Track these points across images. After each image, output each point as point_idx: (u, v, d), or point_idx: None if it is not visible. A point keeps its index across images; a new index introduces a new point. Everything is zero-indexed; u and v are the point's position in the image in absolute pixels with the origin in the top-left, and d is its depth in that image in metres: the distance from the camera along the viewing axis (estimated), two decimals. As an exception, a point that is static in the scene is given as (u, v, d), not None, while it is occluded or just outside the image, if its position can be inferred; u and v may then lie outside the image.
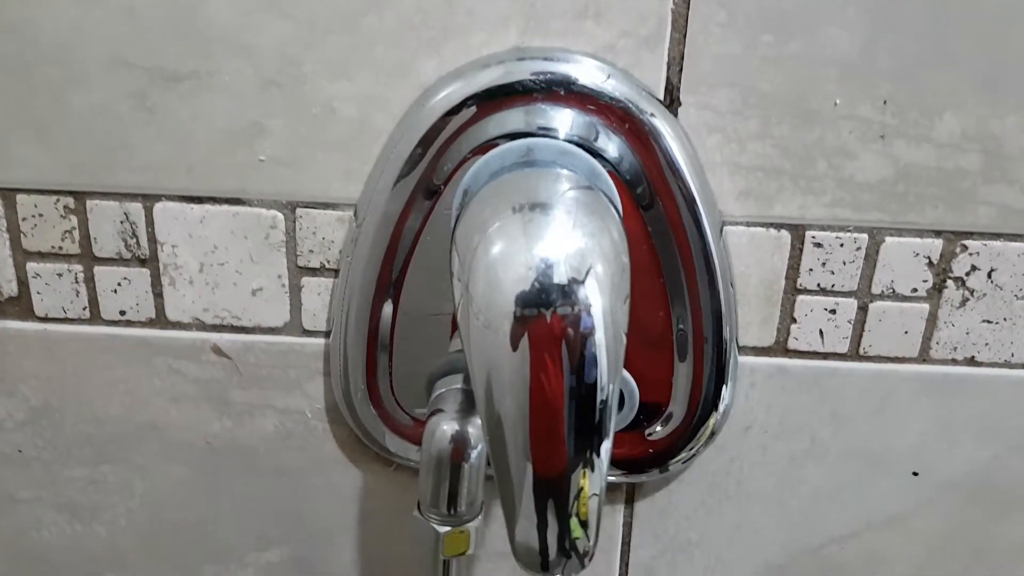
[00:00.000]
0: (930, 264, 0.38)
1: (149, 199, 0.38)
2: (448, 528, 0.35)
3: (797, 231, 0.37)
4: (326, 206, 0.38)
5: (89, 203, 0.38)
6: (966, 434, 0.41)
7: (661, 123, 0.35)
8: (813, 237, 0.37)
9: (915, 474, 0.42)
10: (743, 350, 0.40)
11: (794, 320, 0.39)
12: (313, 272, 0.39)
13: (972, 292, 0.38)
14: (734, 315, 0.38)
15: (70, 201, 0.38)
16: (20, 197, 0.38)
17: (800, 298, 0.39)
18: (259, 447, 0.43)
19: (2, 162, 0.38)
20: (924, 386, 0.40)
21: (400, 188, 0.36)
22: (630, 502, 0.43)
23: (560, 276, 0.29)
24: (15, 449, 0.43)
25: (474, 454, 0.35)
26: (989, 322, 0.39)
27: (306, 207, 0.38)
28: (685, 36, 0.34)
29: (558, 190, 0.31)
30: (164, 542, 0.45)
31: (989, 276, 0.38)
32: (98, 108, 0.37)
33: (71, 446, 0.43)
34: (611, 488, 0.43)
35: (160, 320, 0.40)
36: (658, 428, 0.40)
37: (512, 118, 0.35)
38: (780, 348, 0.40)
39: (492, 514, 0.43)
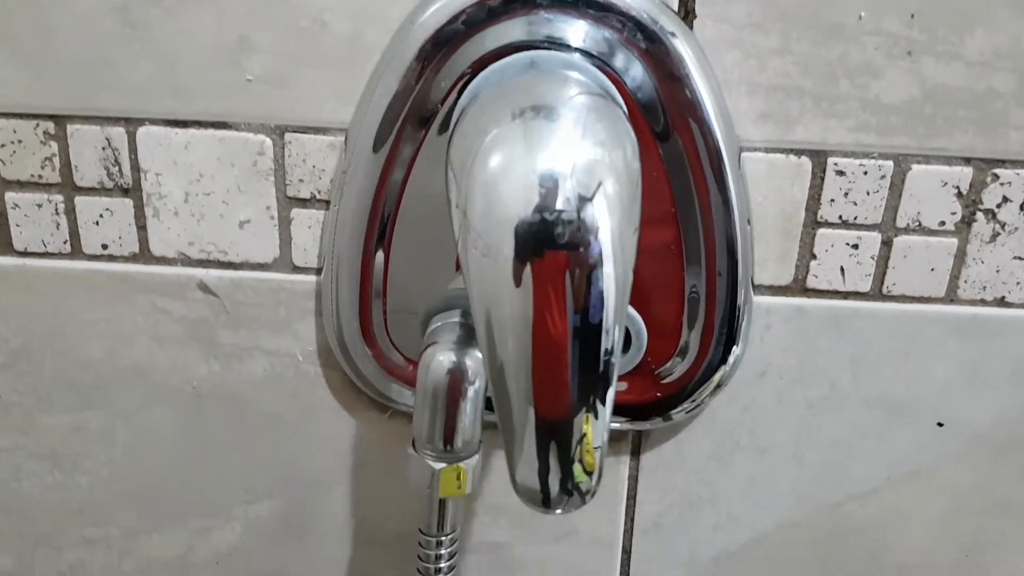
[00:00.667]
0: (959, 195, 0.35)
1: (132, 123, 0.36)
2: (443, 465, 0.33)
3: (819, 158, 0.35)
4: (316, 131, 0.36)
5: (70, 128, 0.36)
6: (995, 381, 0.38)
7: (681, 43, 0.33)
8: (835, 164, 0.35)
9: (940, 425, 0.39)
10: (758, 289, 0.37)
11: (814, 256, 0.37)
12: (303, 203, 0.37)
13: (1003, 226, 0.36)
14: (751, 253, 0.36)
15: (50, 126, 0.36)
16: (-2, 121, 0.37)
17: (820, 231, 0.36)
18: (248, 392, 0.41)
19: (-23, 82, 0.36)
20: (951, 328, 0.38)
21: (393, 110, 0.34)
22: (636, 454, 0.41)
23: (566, 192, 0.27)
24: (-7, 393, 0.41)
25: (471, 389, 0.33)
26: (1021, 259, 0.36)
27: (295, 132, 0.36)
28: (700, -57, 0.32)
29: (565, 94, 0.29)
30: (148, 494, 0.43)
31: (1022, 208, 0.36)
32: (79, 25, 0.35)
33: (52, 391, 0.41)
34: (615, 437, 0.40)
35: (144, 255, 0.38)
36: (672, 369, 0.38)
37: (514, 29, 0.32)
38: (798, 287, 0.37)
39: (491, 464, 0.41)
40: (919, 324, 0.38)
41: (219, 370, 0.40)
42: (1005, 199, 0.35)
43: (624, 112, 0.31)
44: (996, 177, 0.35)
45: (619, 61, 0.33)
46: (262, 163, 0.36)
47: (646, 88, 0.34)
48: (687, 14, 0.33)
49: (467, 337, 0.34)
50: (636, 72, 0.33)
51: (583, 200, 0.27)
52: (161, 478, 0.43)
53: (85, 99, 0.36)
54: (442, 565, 0.35)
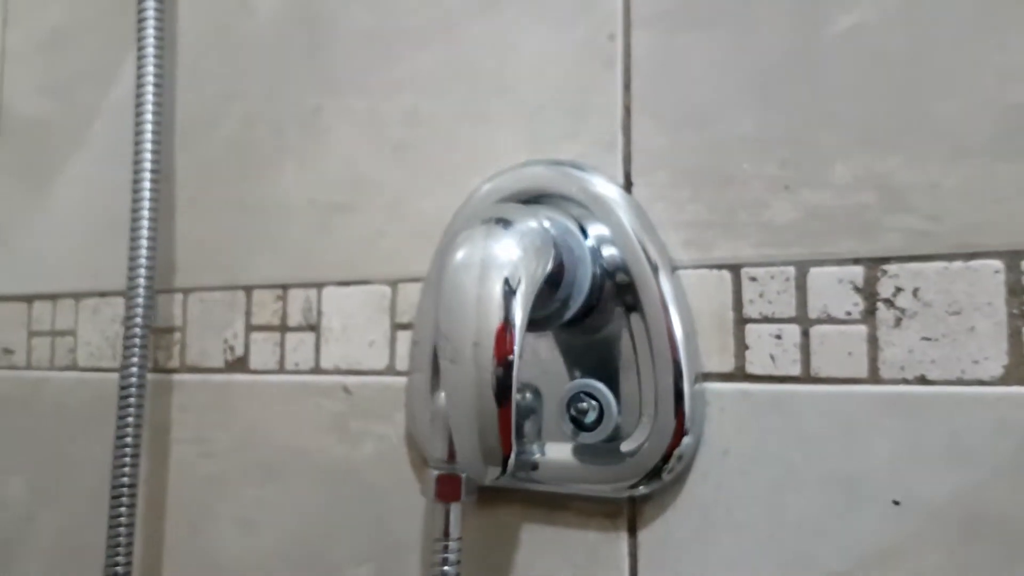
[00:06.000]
0: (856, 289, 0.44)
1: (321, 286, 0.60)
2: (441, 471, 0.46)
3: (734, 270, 0.47)
4: (416, 280, 0.57)
5: (291, 292, 0.62)
6: (939, 458, 0.42)
7: (622, 205, 0.49)
8: (748, 272, 0.46)
9: (896, 503, 0.42)
10: (710, 376, 0.47)
11: (747, 346, 0.46)
12: (405, 327, 0.57)
13: (903, 311, 0.43)
14: (693, 343, 0.47)
15: (280, 291, 0.62)
16: (255, 292, 0.63)
17: (748, 326, 0.46)
18: (362, 467, 0.57)
19: (248, 270, 0.63)
20: (882, 407, 0.43)
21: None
22: (633, 531, 0.49)
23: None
24: (223, 471, 0.63)
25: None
26: (929, 339, 0.42)
27: (404, 282, 0.57)
28: (630, 141, 0.50)
29: (522, 216, 0.46)
30: (295, 555, 0.59)
31: (915, 295, 0.43)
32: (303, 232, 0.61)
33: (249, 468, 0.62)
34: (611, 512, 0.49)
35: (317, 369, 0.60)
36: (637, 446, 0.47)
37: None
38: (740, 373, 0.46)
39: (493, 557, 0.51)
40: (851, 403, 0.44)
41: (348, 450, 0.58)
42: (898, 289, 0.43)
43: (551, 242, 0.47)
44: (885, 272, 0.43)
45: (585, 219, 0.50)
46: (384, 303, 0.58)
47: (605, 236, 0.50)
48: (628, 184, 0.50)
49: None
50: (598, 229, 0.50)
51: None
52: (302, 542, 0.59)
53: (300, 274, 0.61)
54: (447, 569, 0.46)
